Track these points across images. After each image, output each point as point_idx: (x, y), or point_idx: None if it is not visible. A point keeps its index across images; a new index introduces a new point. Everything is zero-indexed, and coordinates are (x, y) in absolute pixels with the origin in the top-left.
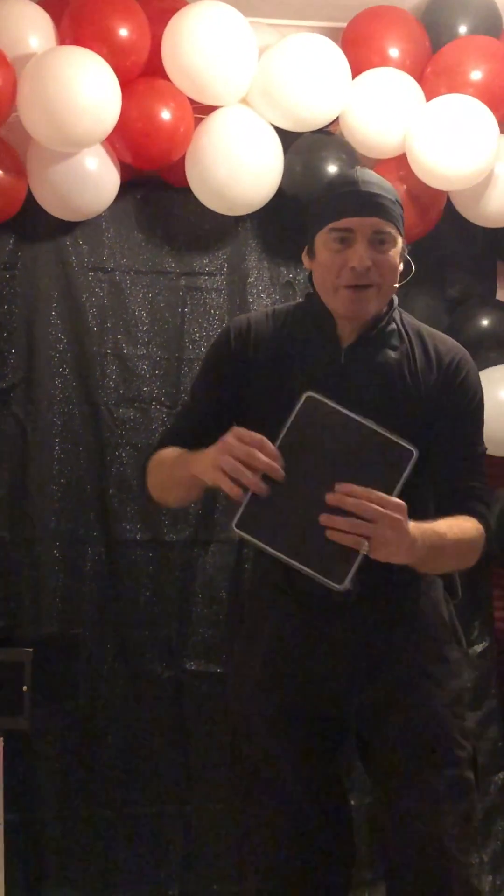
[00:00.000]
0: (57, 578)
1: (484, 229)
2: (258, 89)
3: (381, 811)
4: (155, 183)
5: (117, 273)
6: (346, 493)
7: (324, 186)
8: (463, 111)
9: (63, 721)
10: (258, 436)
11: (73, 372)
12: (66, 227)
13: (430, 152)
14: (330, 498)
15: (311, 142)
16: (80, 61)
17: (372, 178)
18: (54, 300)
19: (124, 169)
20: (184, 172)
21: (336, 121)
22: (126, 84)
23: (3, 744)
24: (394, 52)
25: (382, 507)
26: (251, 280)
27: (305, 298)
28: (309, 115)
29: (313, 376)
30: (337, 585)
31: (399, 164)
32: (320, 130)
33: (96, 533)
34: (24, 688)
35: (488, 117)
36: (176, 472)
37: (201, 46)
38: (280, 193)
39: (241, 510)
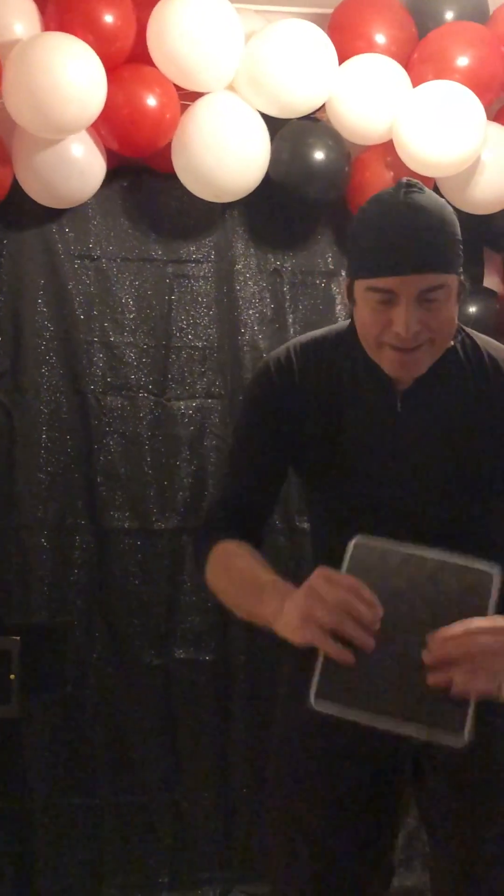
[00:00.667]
0: (45, 567)
1: (471, 216)
2: (244, 75)
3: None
4: (141, 170)
5: (104, 260)
6: (443, 639)
7: (362, 216)
8: (450, 97)
9: (52, 709)
10: (349, 578)
11: (59, 360)
12: (52, 215)
13: (417, 139)
14: (428, 657)
15: (298, 128)
16: (65, 48)
17: (419, 213)
18: (40, 288)
19: (110, 156)
20: (170, 159)
21: (323, 107)
22: (112, 70)
23: None
24: (380, 39)
25: (490, 635)
26: (238, 267)
27: (350, 326)
28: (295, 102)
29: (370, 428)
30: (455, 742)
31: (386, 151)
32: (307, 117)
33: (84, 521)
34: (12, 676)
35: (475, 103)
36: (244, 602)
37: (187, 32)
38: (267, 180)
39: (316, 678)
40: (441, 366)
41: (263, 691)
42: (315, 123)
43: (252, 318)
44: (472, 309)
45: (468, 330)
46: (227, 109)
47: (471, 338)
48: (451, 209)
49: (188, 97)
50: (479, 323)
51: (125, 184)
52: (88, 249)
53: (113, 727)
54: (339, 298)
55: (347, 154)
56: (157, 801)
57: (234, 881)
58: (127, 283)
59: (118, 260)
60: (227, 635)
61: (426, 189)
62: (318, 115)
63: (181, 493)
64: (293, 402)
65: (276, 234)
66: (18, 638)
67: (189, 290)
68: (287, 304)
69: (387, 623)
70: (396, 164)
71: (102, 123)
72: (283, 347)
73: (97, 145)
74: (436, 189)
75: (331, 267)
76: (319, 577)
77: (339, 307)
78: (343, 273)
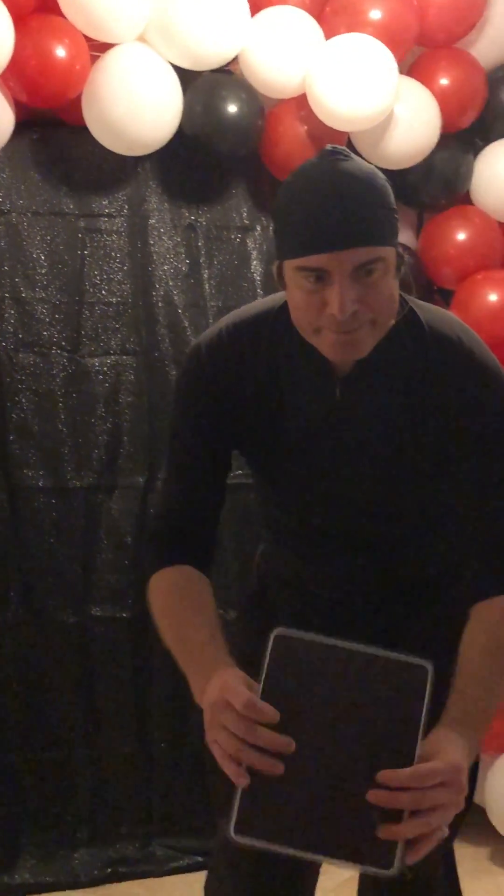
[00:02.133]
0: None
1: (385, 171)
2: (155, 26)
3: None
4: (52, 122)
5: (14, 214)
6: (388, 784)
7: (286, 190)
8: (362, 50)
9: None
10: (252, 702)
11: None
12: None
13: (330, 92)
14: (372, 797)
15: (211, 81)
16: None
17: (348, 182)
18: None
19: (19, 108)
20: (81, 111)
21: (235, 60)
22: (19, 20)
23: None
24: None
25: (445, 788)
26: (152, 222)
27: (285, 303)
28: (207, 54)
29: (308, 416)
30: (387, 871)
31: (299, 105)
32: (219, 70)
33: None
34: None
35: (388, 57)
36: (178, 659)
37: None
38: (180, 133)
39: (235, 808)
40: (383, 347)
41: None
42: (227, 76)
43: (167, 273)
44: None
45: (413, 302)
46: (138, 61)
47: (414, 312)
48: (383, 176)
49: (98, 48)
50: None
51: (35, 136)
52: None
53: (30, 684)
54: (254, 254)
55: (261, 107)
56: (74, 757)
57: (154, 835)
58: (38, 237)
59: (29, 214)
60: (144, 592)
61: (353, 155)
62: (230, 67)
63: (96, 451)
64: (229, 387)
65: (189, 188)
66: None
67: (102, 244)
68: (202, 259)
69: (309, 732)
70: (310, 117)
71: (10, 74)
72: (213, 329)
73: (5, 97)
74: (349, 144)
75: (245, 222)
76: (220, 699)
77: (253, 263)
78: (258, 228)
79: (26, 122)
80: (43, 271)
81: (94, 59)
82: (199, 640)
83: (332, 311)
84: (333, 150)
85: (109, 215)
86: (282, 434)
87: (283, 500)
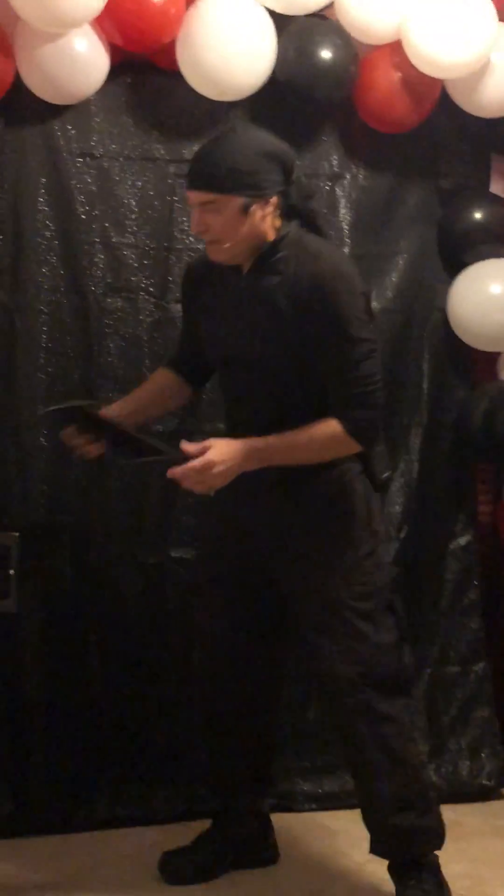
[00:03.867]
0: (43, 466)
1: (479, 119)
2: None
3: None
4: (145, 66)
5: (105, 159)
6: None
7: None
8: None
9: (49, 606)
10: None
11: (60, 260)
12: (55, 112)
13: (426, 39)
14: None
15: (305, 26)
16: None
17: (208, 152)
18: (42, 186)
19: (114, 51)
20: (175, 56)
21: (331, 4)
22: None
23: None
24: None
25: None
26: None
27: None
28: None
29: (223, 296)
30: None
31: (394, 51)
32: (314, 14)
33: None
34: (11, 571)
35: (486, 4)
36: None
37: None
38: (273, 79)
39: None
40: (265, 260)
41: None
42: (322, 21)
43: None
44: (477, 215)
45: (306, 236)
46: (234, 5)
47: (311, 239)
48: (248, 146)
49: None
50: (483, 229)
51: (129, 80)
52: (90, 147)
53: (109, 624)
54: (343, 202)
55: (355, 53)
56: (152, 696)
57: None
58: (129, 182)
59: (120, 159)
60: None
61: (245, 129)
62: (325, 12)
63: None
64: (194, 290)
65: (280, 134)
66: (17, 534)
67: None
68: None
69: None
70: (404, 64)
71: (106, 17)
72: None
73: (101, 40)
74: (443, 91)
75: (336, 169)
76: None
77: (342, 211)
78: (347, 176)
79: (120, 65)
80: (133, 216)
81: (189, 2)
82: (134, 393)
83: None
84: (231, 125)
85: None
86: (208, 315)
87: (208, 352)
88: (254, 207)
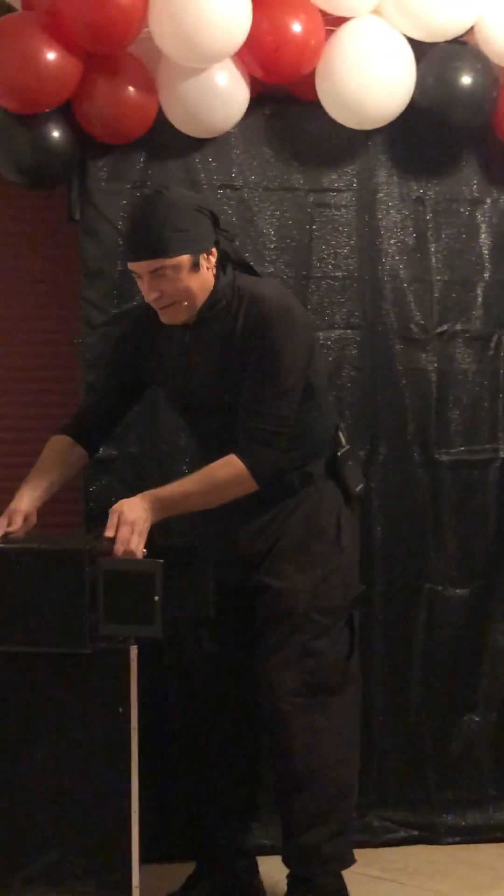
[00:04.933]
0: None
1: None
2: None
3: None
4: (284, 98)
5: (245, 190)
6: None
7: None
8: None
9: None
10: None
11: None
12: (196, 145)
13: None
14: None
15: (445, 52)
16: None
17: (144, 220)
18: None
19: (253, 84)
20: (314, 86)
21: (471, 30)
22: None
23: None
24: None
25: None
26: (381, 196)
27: None
28: (443, 25)
29: (173, 353)
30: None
31: None
32: (454, 40)
33: None
34: (156, 598)
35: None
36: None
37: None
38: (412, 106)
39: None
40: (212, 307)
41: None
42: (462, 47)
43: (393, 247)
44: None
45: (243, 279)
46: (373, 34)
47: (241, 292)
48: (183, 204)
49: (333, 22)
50: None
51: (268, 112)
52: (231, 179)
53: None
54: (483, 227)
55: (495, 78)
56: None
57: (370, 806)
58: (268, 212)
59: (260, 189)
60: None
61: (169, 189)
62: (465, 38)
63: None
64: (133, 343)
65: (419, 161)
66: (161, 561)
67: (330, 219)
68: (429, 232)
69: None
70: None
71: (247, 51)
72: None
73: (241, 73)
74: None
75: (475, 195)
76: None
77: (482, 236)
78: (488, 200)
79: (259, 97)
80: (272, 246)
81: (328, 33)
82: (31, 474)
83: (147, 297)
84: (155, 188)
85: (338, 190)
86: (161, 367)
87: (171, 405)
88: (201, 261)
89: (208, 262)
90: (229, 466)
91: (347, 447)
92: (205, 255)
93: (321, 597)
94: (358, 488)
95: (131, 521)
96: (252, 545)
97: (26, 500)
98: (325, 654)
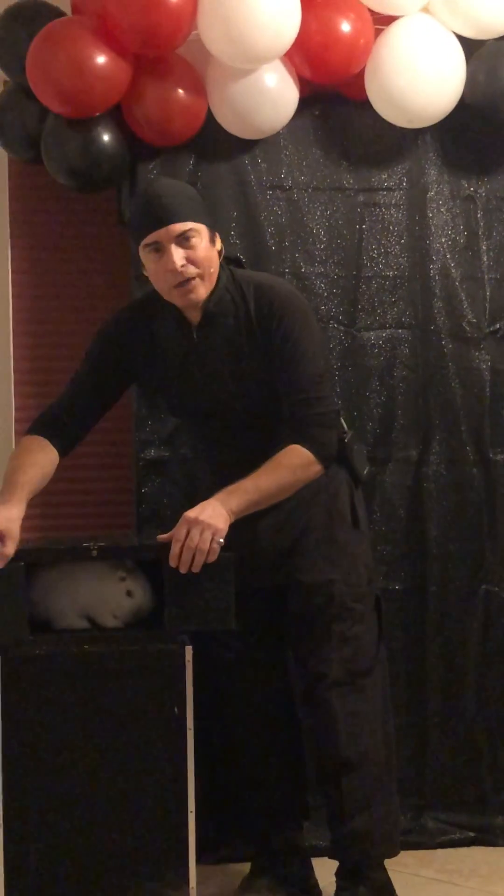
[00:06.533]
0: None
1: None
2: None
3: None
4: (333, 97)
5: (295, 191)
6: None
7: (134, 200)
8: None
9: None
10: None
11: None
12: (245, 146)
13: None
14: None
15: (495, 49)
16: None
17: (162, 189)
18: (233, 220)
19: (302, 84)
20: (363, 85)
21: None
22: None
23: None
24: None
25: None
26: (431, 194)
27: (154, 292)
28: (493, 22)
29: (177, 355)
30: None
31: None
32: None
33: None
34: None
35: None
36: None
37: None
38: (462, 104)
39: None
40: (217, 302)
41: None
42: None
43: (444, 245)
44: None
45: (238, 271)
46: (423, 32)
47: (242, 283)
48: (186, 185)
49: (382, 21)
50: None
51: (317, 112)
52: (280, 180)
53: None
54: None
55: None
56: None
57: (426, 807)
58: (318, 213)
59: (309, 190)
60: (417, 564)
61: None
62: None
63: (370, 424)
64: (124, 346)
65: (469, 159)
66: (233, 553)
67: (380, 218)
68: (481, 230)
69: None
70: None
71: (296, 51)
72: (122, 307)
73: (290, 74)
74: None
75: None
76: None
77: None
78: None
79: (308, 97)
80: (322, 246)
81: (377, 32)
82: (12, 479)
83: (169, 268)
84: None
85: (388, 189)
86: (163, 373)
87: (176, 411)
88: (215, 239)
89: (217, 247)
90: (294, 454)
91: (351, 432)
92: (216, 235)
93: (353, 584)
94: (365, 472)
95: (194, 520)
96: (274, 542)
97: (15, 512)
98: (361, 640)
